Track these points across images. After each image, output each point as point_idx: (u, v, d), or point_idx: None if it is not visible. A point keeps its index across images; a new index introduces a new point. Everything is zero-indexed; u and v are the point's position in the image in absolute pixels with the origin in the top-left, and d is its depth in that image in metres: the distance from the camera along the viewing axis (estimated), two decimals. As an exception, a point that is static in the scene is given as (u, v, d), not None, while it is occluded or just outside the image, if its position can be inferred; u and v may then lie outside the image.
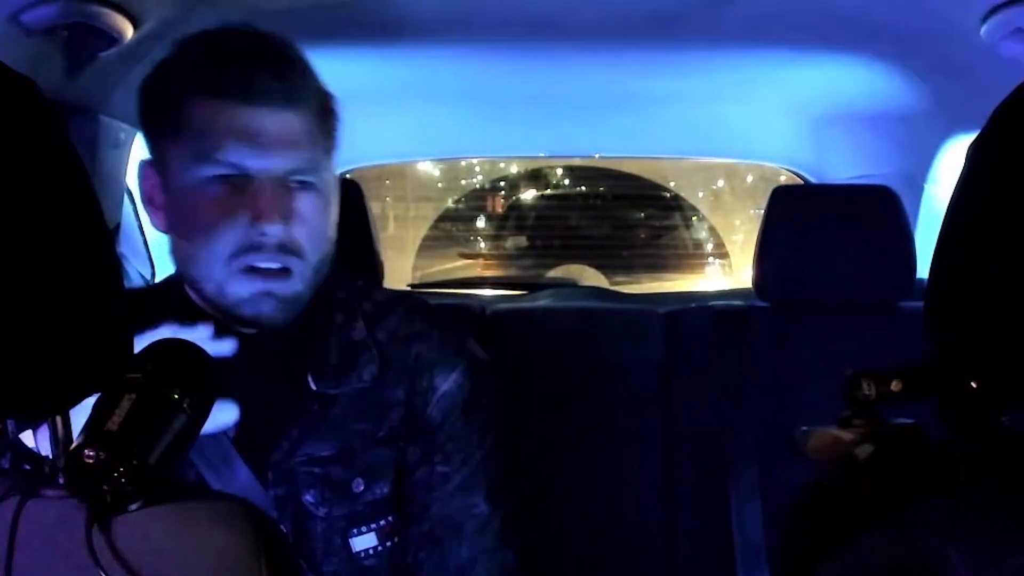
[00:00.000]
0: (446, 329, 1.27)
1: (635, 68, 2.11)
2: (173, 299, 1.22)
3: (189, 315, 1.17)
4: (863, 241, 1.83)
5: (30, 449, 0.83)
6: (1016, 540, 0.66)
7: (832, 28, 1.82)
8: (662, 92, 2.30)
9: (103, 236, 0.77)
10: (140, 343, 0.84)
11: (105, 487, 0.74)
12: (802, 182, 2.70)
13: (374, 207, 2.21)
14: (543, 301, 2.43)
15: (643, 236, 3.96)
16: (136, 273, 2.00)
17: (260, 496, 1.17)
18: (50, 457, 0.79)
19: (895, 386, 0.93)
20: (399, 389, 1.22)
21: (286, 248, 1.15)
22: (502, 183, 4.14)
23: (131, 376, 0.79)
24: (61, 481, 0.77)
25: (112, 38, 1.48)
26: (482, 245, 4.13)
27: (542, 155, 3.45)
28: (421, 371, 1.22)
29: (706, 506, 1.85)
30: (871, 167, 2.44)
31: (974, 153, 0.74)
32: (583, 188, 4.07)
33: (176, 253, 1.20)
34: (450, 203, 4.17)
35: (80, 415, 0.78)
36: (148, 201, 1.21)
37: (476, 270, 3.98)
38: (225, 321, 1.17)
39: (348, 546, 1.19)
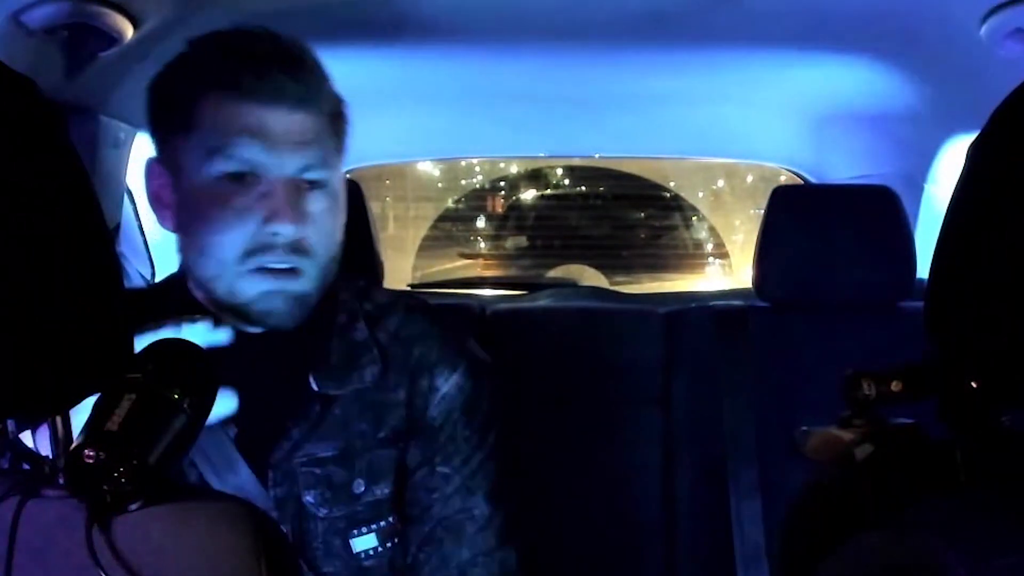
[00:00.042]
0: (447, 330, 1.27)
1: (635, 68, 2.11)
2: (175, 298, 1.22)
3: (192, 314, 1.17)
4: (863, 241, 1.83)
5: (30, 449, 0.83)
6: (1014, 540, 0.66)
7: (832, 28, 1.82)
8: (662, 92, 2.30)
9: (103, 236, 0.77)
10: (142, 342, 0.84)
11: (105, 487, 0.74)
12: (802, 182, 2.70)
13: (374, 207, 2.21)
14: (543, 301, 2.43)
15: (643, 236, 3.96)
16: (136, 273, 2.00)
17: (261, 496, 1.17)
18: (50, 457, 0.79)
19: (895, 386, 0.93)
20: (400, 390, 1.22)
21: (297, 248, 1.15)
22: (502, 183, 4.14)
23: (131, 376, 0.79)
24: (61, 481, 0.77)
25: (112, 38, 1.48)
26: (482, 245, 4.13)
27: (542, 155, 3.45)
28: (422, 372, 1.22)
29: (706, 506, 1.85)
30: (871, 167, 2.44)
31: (974, 153, 0.74)
32: (583, 188, 4.07)
33: (184, 252, 1.20)
34: (450, 203, 4.17)
35: (80, 415, 0.78)
36: (156, 200, 1.21)
37: (476, 270, 3.98)
38: (230, 320, 1.17)
39: (348, 547, 1.19)
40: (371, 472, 1.20)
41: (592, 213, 3.95)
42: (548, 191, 4.07)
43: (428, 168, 4.15)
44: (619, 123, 2.51)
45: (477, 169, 4.17)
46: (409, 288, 2.84)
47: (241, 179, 1.14)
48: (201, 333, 1.06)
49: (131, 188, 1.93)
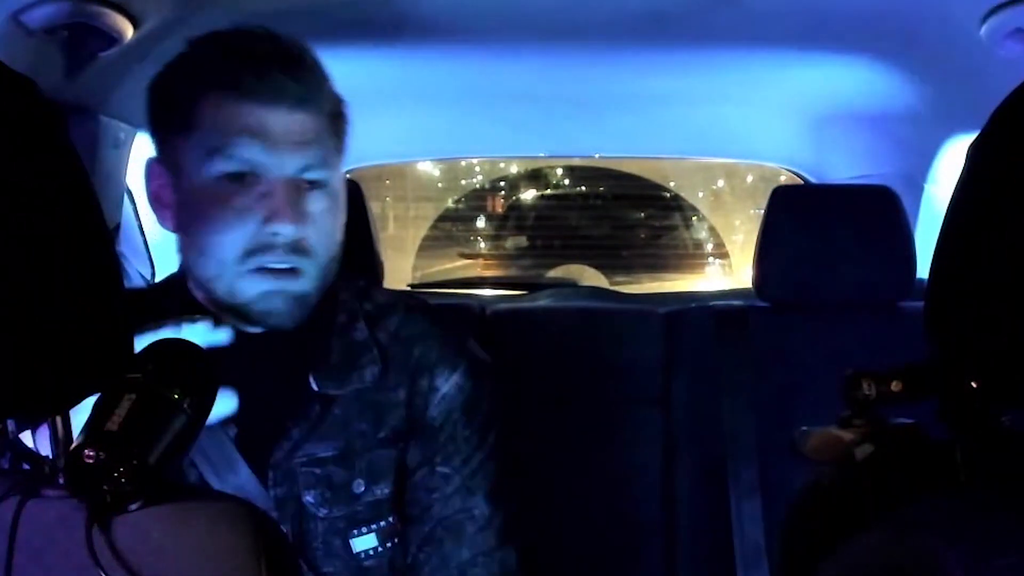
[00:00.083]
0: (447, 330, 1.27)
1: (635, 68, 2.11)
2: (175, 298, 1.22)
3: (192, 314, 1.17)
4: (863, 241, 1.83)
5: (30, 449, 0.83)
6: (1013, 539, 0.66)
7: (832, 28, 1.82)
8: (662, 92, 2.30)
9: (103, 236, 0.77)
10: (142, 342, 0.84)
11: (105, 487, 0.74)
12: (802, 182, 2.70)
13: (374, 207, 2.21)
14: (543, 301, 2.43)
15: (643, 236, 3.96)
16: (136, 273, 2.00)
17: (261, 496, 1.17)
18: (50, 457, 0.79)
19: (895, 386, 0.93)
20: (400, 390, 1.22)
21: (297, 248, 1.15)
22: (502, 183, 4.14)
23: (131, 376, 0.79)
24: (61, 481, 0.77)
25: (112, 38, 1.48)
26: (482, 245, 4.14)
27: (542, 155, 3.45)
28: (422, 372, 1.22)
29: (706, 506, 1.85)
30: (871, 167, 2.44)
31: (974, 153, 0.74)
32: (583, 188, 4.07)
33: (185, 252, 1.20)
34: (450, 203, 4.17)
35: (80, 415, 0.78)
36: (156, 200, 1.21)
37: (476, 270, 3.98)
38: (230, 320, 1.17)
39: (348, 547, 1.19)
40: (371, 472, 1.20)
41: (592, 213, 3.95)
42: (548, 191, 4.07)
43: (428, 168, 4.15)
44: (619, 123, 2.51)
45: (477, 169, 4.17)
46: (409, 288, 2.84)
47: (241, 179, 1.14)
48: (201, 333, 1.06)
49: (131, 188, 1.93)
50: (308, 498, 1.19)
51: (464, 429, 1.23)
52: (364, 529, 1.20)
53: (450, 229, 4.13)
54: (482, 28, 1.87)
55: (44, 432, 0.81)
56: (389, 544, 1.21)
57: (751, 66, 2.09)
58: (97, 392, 0.78)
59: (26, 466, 0.80)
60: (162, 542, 0.75)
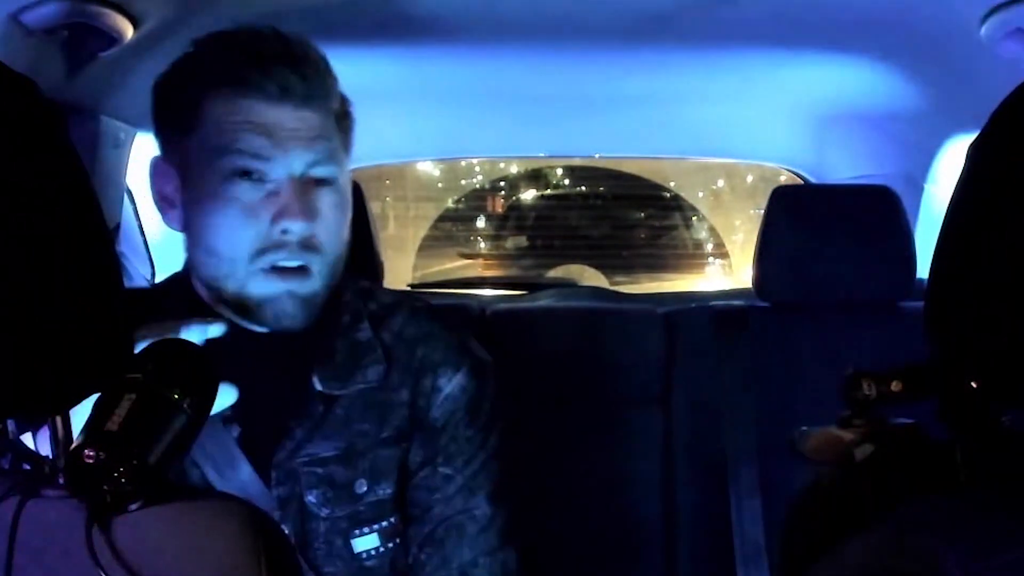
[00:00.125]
0: (451, 331, 1.27)
1: (635, 68, 2.11)
2: (180, 297, 1.22)
3: (196, 313, 1.16)
4: (863, 241, 1.83)
5: (30, 449, 0.83)
6: (1010, 537, 0.66)
7: (832, 28, 1.82)
8: (662, 92, 2.30)
9: (103, 236, 0.77)
10: (148, 342, 0.84)
11: (105, 487, 0.74)
12: (802, 182, 2.70)
13: (374, 207, 2.21)
14: (543, 301, 2.43)
15: (643, 236, 3.96)
16: (137, 273, 2.00)
17: (263, 496, 1.17)
18: (50, 457, 0.79)
19: (895, 386, 0.93)
20: (403, 390, 1.22)
21: (307, 245, 1.15)
22: (502, 183, 4.14)
23: (131, 376, 0.79)
24: (61, 481, 0.77)
25: (112, 38, 1.48)
26: (482, 245, 4.14)
27: (542, 155, 3.45)
28: (425, 372, 1.22)
29: (706, 505, 1.85)
30: (871, 167, 2.44)
31: (974, 153, 0.74)
32: (583, 188, 4.07)
33: (193, 252, 1.20)
34: (450, 203, 4.17)
35: (80, 415, 0.78)
36: (163, 199, 1.21)
37: (476, 270, 3.98)
38: (236, 319, 1.17)
39: (350, 547, 1.19)
40: (373, 472, 1.20)
41: (592, 213, 3.96)
42: (548, 191, 4.07)
43: (428, 168, 4.16)
44: (619, 123, 2.51)
45: (477, 169, 4.17)
46: (409, 288, 2.84)
47: (248, 176, 1.14)
48: (205, 332, 1.06)
49: (131, 188, 1.93)
50: (310, 498, 1.19)
51: (466, 430, 1.23)
52: (366, 529, 1.20)
53: (450, 229, 4.13)
54: (483, 28, 1.87)
55: (44, 432, 0.81)
56: (391, 544, 1.21)
57: (751, 66, 2.09)
58: (97, 392, 0.78)
59: (26, 466, 0.80)
60: (162, 542, 0.75)
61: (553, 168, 3.99)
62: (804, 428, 0.98)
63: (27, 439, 0.88)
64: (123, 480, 0.74)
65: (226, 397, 1.04)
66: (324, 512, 1.19)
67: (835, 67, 2.06)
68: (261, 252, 1.14)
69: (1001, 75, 1.45)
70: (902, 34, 1.80)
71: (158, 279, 1.96)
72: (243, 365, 1.04)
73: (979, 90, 1.72)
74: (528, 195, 4.09)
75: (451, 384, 1.22)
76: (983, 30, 1.57)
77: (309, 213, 1.14)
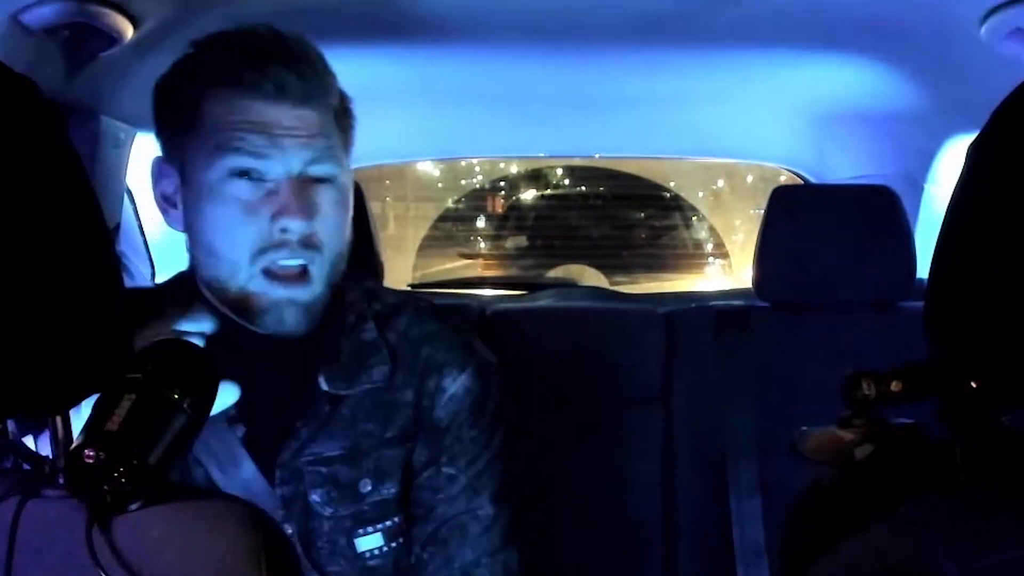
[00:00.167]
0: (455, 331, 1.27)
1: (635, 68, 2.11)
2: (185, 297, 1.22)
3: (202, 312, 1.16)
4: (863, 241, 1.83)
5: (30, 449, 0.83)
6: (1009, 537, 0.66)
7: (832, 28, 1.82)
8: (662, 92, 2.30)
9: (103, 236, 0.77)
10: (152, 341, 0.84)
11: (105, 487, 0.74)
12: (802, 182, 2.70)
13: (374, 207, 2.21)
14: (543, 301, 2.43)
15: (643, 236, 3.97)
16: (137, 272, 2.00)
17: (267, 495, 1.17)
18: (50, 457, 0.79)
19: (895, 386, 0.93)
20: (408, 390, 1.22)
21: (307, 244, 1.15)
22: (502, 183, 4.14)
23: (131, 376, 0.79)
24: (61, 481, 0.77)
25: (112, 38, 1.48)
26: (482, 245, 4.14)
27: (542, 155, 3.45)
28: (430, 372, 1.22)
29: (706, 505, 1.85)
30: (871, 167, 2.44)
31: (974, 153, 0.74)
32: (583, 188, 4.08)
33: (194, 252, 1.20)
34: (450, 203, 4.17)
35: (80, 415, 0.78)
36: (164, 199, 1.21)
37: (476, 270, 3.98)
38: (240, 319, 1.18)
39: (353, 546, 1.19)
40: (378, 472, 1.20)
41: (592, 213, 3.96)
42: (548, 191, 4.07)
43: (428, 168, 4.16)
44: (619, 123, 2.51)
45: (477, 169, 4.17)
46: (409, 288, 2.84)
47: (247, 175, 1.14)
48: (208, 332, 1.06)
49: (131, 188, 1.93)
50: (314, 497, 1.19)
51: (470, 430, 1.23)
52: (370, 528, 1.20)
53: (450, 229, 4.13)
54: (482, 28, 1.87)
55: (44, 432, 0.81)
56: (394, 544, 1.21)
57: (751, 66, 2.09)
58: (97, 392, 0.78)
59: (26, 466, 0.80)
60: (162, 542, 0.75)
61: (553, 168, 4.00)
62: (804, 428, 0.98)
63: (27, 439, 0.88)
64: (123, 480, 0.74)
65: (227, 397, 1.04)
66: (328, 511, 1.19)
67: (835, 67, 2.06)
68: (262, 251, 1.14)
69: (1001, 75, 1.45)
70: (902, 34, 1.80)
71: (158, 279, 1.97)
72: (247, 365, 1.04)
73: (979, 90, 1.72)
74: (528, 195, 4.09)
75: (455, 384, 1.23)
76: (983, 30, 1.57)
77: (308, 211, 1.14)
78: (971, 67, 1.76)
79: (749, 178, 3.99)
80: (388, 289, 1.39)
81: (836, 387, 0.96)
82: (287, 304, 1.16)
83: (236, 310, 1.18)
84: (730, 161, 3.32)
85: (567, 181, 4.07)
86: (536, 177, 4.05)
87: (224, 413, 1.10)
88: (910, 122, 2.18)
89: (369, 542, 1.20)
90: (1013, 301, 0.68)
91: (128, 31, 1.49)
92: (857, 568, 0.71)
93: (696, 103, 2.40)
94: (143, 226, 2.04)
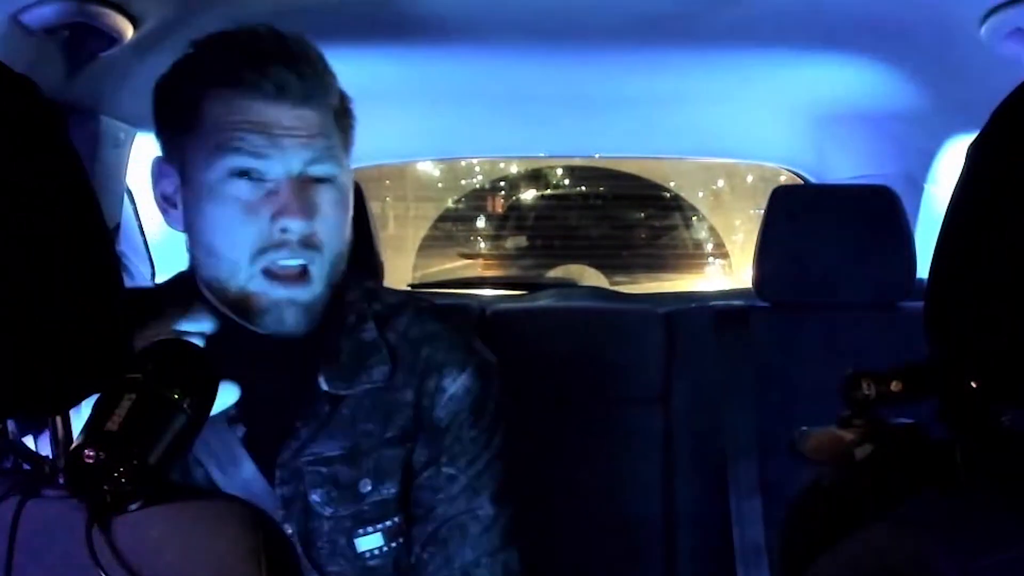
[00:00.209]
0: (455, 331, 1.27)
1: (635, 68, 2.11)
2: (185, 297, 1.22)
3: (202, 312, 1.16)
4: (863, 241, 1.83)
5: (30, 449, 0.83)
6: (1008, 537, 0.66)
7: (832, 28, 1.82)
8: (662, 92, 2.30)
9: (103, 236, 0.77)
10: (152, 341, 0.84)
11: (105, 487, 0.74)
12: (802, 182, 2.70)
13: (374, 207, 2.21)
14: (543, 301, 2.43)
15: (643, 236, 3.97)
16: (137, 272, 2.00)
17: (267, 495, 1.17)
18: (50, 457, 0.79)
19: (895, 386, 0.93)
20: (408, 390, 1.22)
21: (307, 244, 1.15)
22: (502, 183, 4.14)
23: (131, 376, 0.79)
24: (61, 481, 0.77)
25: (112, 38, 1.48)
26: (482, 245, 4.14)
27: (542, 155, 3.45)
28: (430, 372, 1.22)
29: (706, 505, 1.85)
30: (871, 167, 2.44)
31: (974, 153, 0.74)
32: (583, 188, 4.08)
33: (195, 252, 1.20)
34: (450, 203, 4.18)
35: (80, 415, 0.78)
36: (164, 199, 1.21)
37: (476, 270, 3.98)
38: (241, 319, 1.18)
39: (353, 546, 1.19)
40: (378, 472, 1.20)
41: (592, 213, 3.96)
42: (548, 191, 4.07)
43: (428, 168, 4.16)
44: (619, 123, 2.51)
45: (477, 169, 4.17)
46: (409, 288, 2.84)
47: (247, 175, 1.14)
48: (210, 332, 1.06)
49: (131, 188, 1.93)
50: (314, 497, 1.19)
51: (471, 430, 1.23)
52: (370, 528, 1.20)
53: (450, 229, 4.13)
54: (482, 28, 1.87)
55: (44, 432, 0.81)
56: (394, 544, 1.21)
57: (751, 66, 2.09)
58: (97, 392, 0.78)
59: (26, 466, 0.80)
60: (162, 542, 0.75)
61: (553, 168, 4.00)
62: (804, 428, 0.98)
63: (27, 439, 0.88)
64: (123, 480, 0.74)
65: (227, 396, 1.04)
66: (328, 511, 1.19)
67: (835, 67, 2.06)
68: (262, 251, 1.14)
69: (1001, 75, 1.45)
70: (902, 34, 1.80)
71: (158, 279, 1.97)
72: (247, 365, 1.04)
73: (979, 90, 1.72)
74: (528, 195, 4.09)
75: (456, 384, 1.23)
76: (983, 30, 1.57)
77: (308, 211, 1.14)
78: (971, 67, 1.76)
79: (749, 178, 3.99)
80: (388, 289, 1.39)
81: (836, 387, 0.96)
82: (287, 304, 1.16)
83: (236, 310, 1.18)
84: (730, 161, 3.32)
85: (567, 181, 4.07)
86: (536, 177, 4.05)
87: (224, 413, 1.10)
88: (910, 122, 2.18)
89: (369, 542, 1.20)
90: (1013, 301, 0.68)
91: (128, 31, 1.49)
92: (857, 568, 0.71)
93: (696, 103, 2.40)
94: (143, 226, 2.04)
